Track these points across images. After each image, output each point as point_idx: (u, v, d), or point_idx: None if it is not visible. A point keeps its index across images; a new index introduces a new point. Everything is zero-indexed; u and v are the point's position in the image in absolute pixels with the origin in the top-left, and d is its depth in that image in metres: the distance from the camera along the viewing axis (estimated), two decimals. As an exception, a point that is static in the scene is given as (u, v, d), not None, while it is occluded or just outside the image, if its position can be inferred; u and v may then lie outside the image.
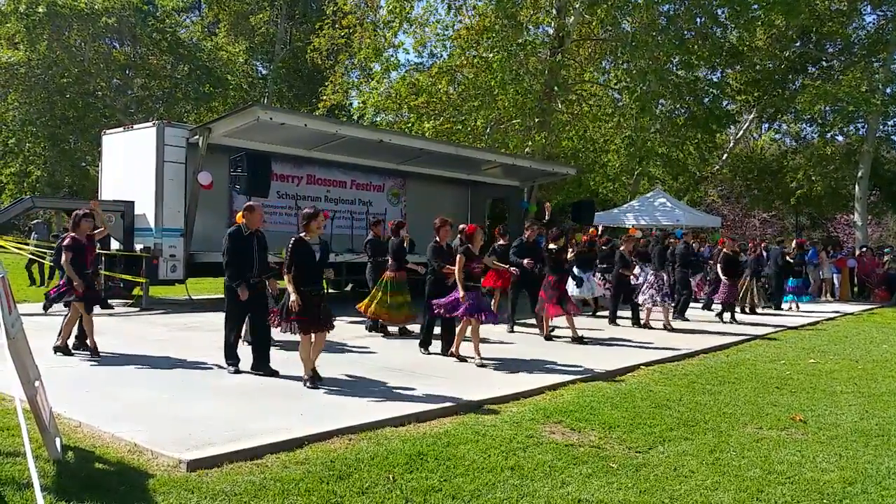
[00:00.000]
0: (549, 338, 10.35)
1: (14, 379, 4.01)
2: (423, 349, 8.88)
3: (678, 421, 5.95)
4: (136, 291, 13.56)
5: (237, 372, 7.17)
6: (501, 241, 11.53)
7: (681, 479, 4.54)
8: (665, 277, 12.09)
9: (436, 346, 8.85)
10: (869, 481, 4.63)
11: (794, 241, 20.05)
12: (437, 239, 8.74)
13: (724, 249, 13.97)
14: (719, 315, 13.52)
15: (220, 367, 7.47)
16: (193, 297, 14.23)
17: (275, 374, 7.11)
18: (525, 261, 10.44)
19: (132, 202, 13.12)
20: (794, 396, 7.15)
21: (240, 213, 9.70)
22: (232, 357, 7.31)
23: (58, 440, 4.51)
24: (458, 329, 8.43)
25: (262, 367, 7.19)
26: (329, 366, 7.57)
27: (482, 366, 7.97)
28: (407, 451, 4.82)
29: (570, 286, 11.79)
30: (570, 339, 10.12)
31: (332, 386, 6.65)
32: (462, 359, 8.29)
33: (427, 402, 6.15)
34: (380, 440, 5.08)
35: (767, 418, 6.18)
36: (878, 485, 4.57)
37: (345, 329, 10.39)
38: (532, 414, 5.98)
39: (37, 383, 4.40)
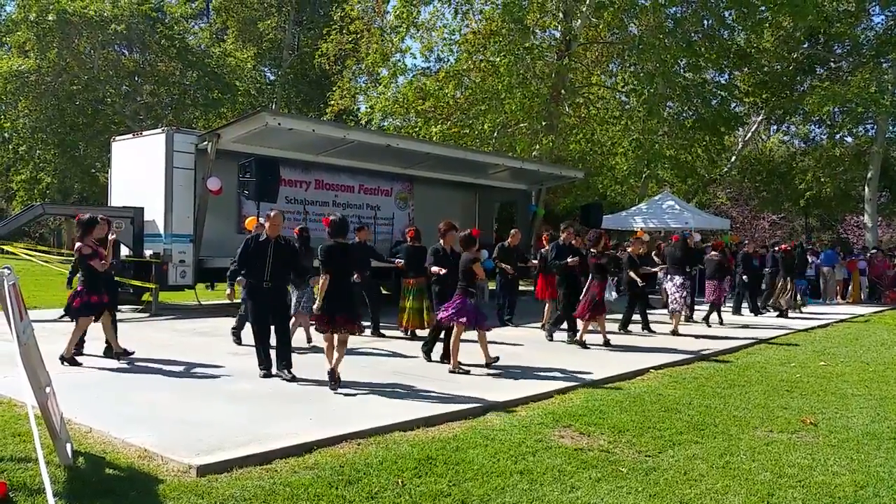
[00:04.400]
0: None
1: (25, 385, 4.04)
2: (426, 357, 8.66)
3: (688, 424, 5.93)
4: (146, 297, 13.61)
5: (267, 376, 7.19)
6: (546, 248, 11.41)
7: (691, 482, 4.52)
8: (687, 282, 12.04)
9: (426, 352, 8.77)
10: (881, 485, 4.60)
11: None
12: (442, 243, 8.63)
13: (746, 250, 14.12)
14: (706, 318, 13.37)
15: (230, 370, 7.50)
16: (203, 303, 14.29)
17: (293, 378, 7.08)
18: (568, 259, 10.27)
19: (142, 208, 13.18)
20: (805, 399, 7.11)
21: (250, 219, 9.87)
22: (262, 363, 7.33)
23: (69, 446, 4.53)
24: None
25: (282, 369, 7.22)
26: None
27: (454, 372, 7.78)
28: (416, 456, 4.82)
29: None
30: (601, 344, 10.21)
31: (341, 390, 6.66)
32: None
33: (436, 406, 6.14)
34: (389, 445, 5.08)
35: (778, 421, 6.15)
36: (891, 488, 4.54)
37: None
38: (541, 418, 5.97)
39: (48, 389, 4.43)
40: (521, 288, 14.10)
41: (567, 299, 10.42)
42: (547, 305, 11.87)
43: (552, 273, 10.99)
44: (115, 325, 8.24)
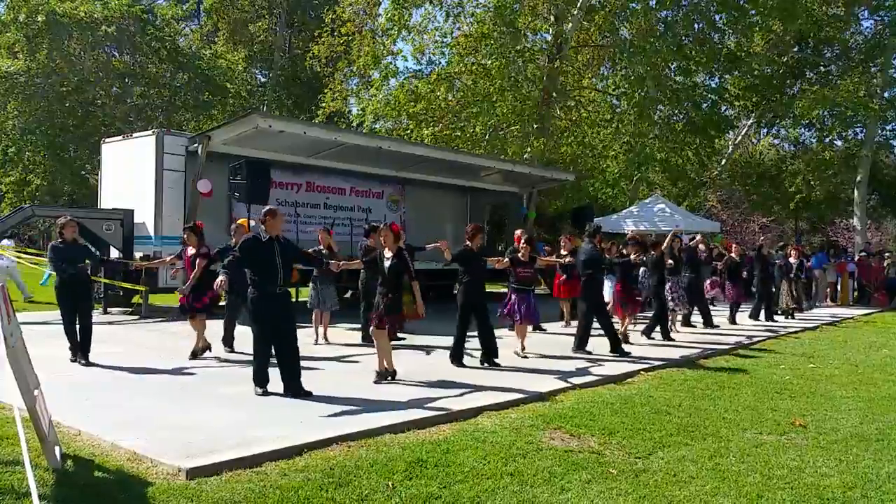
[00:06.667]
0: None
1: (13, 388, 4.01)
2: (456, 363, 8.44)
3: (678, 426, 5.94)
4: (136, 299, 13.57)
5: (265, 394, 6.51)
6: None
7: (680, 484, 4.53)
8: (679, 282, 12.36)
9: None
10: (869, 486, 4.62)
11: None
12: (469, 244, 8.50)
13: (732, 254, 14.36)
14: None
15: (220, 373, 7.47)
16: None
17: (308, 394, 6.48)
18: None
19: (132, 210, 13.13)
20: (794, 401, 7.15)
21: (242, 220, 9.78)
22: (260, 380, 6.62)
23: (57, 449, 4.51)
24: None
25: (293, 388, 6.51)
26: (328, 373, 7.58)
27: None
28: (406, 458, 4.81)
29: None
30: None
31: (331, 393, 6.64)
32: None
33: (426, 408, 6.14)
34: (379, 447, 5.08)
35: (767, 423, 6.18)
36: (879, 489, 4.57)
37: (344, 336, 10.40)
38: (532, 420, 5.98)
39: (36, 392, 4.40)
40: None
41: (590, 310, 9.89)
42: (561, 305, 12.86)
43: (576, 276, 10.97)
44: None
